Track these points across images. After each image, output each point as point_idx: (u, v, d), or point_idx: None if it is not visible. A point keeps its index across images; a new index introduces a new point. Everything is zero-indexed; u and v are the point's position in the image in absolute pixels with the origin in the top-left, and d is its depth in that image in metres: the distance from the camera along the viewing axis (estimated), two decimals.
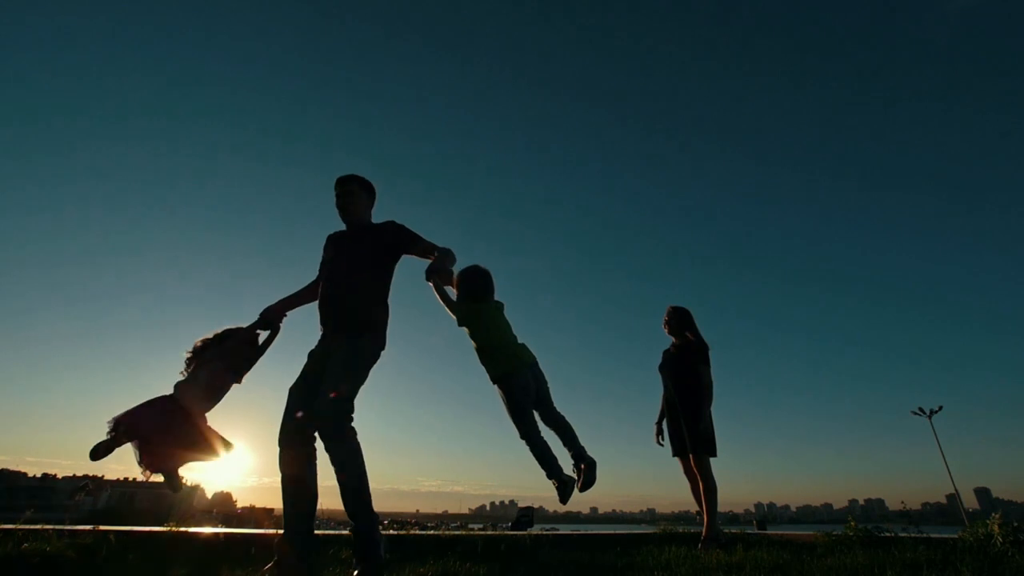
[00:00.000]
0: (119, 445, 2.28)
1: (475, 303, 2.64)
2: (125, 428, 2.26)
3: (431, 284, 2.67)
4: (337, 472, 2.15)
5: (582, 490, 2.47)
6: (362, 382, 2.33)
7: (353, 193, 2.65)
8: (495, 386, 2.61)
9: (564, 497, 2.44)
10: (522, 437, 2.53)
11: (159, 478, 2.34)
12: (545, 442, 2.54)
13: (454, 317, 2.64)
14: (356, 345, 2.37)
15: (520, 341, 2.70)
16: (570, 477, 2.47)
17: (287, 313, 2.75)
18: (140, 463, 2.30)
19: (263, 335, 2.71)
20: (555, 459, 2.51)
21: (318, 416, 2.21)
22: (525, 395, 2.54)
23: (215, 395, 2.46)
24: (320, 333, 2.53)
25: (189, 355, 2.52)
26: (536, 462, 2.52)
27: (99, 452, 2.24)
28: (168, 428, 2.32)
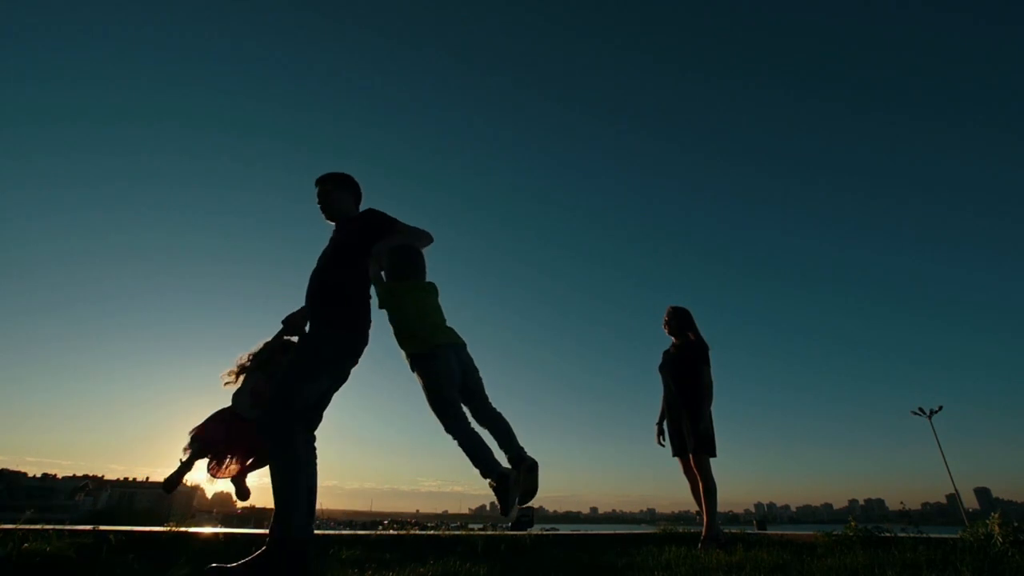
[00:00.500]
0: (192, 467, 2.41)
1: (397, 282, 2.42)
2: (200, 445, 2.39)
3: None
4: (271, 473, 2.01)
5: (523, 501, 2.13)
6: (314, 379, 2.14)
7: (328, 193, 2.61)
8: (414, 373, 2.29)
9: (507, 502, 2.03)
10: (448, 431, 2.18)
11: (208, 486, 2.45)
12: (477, 435, 2.20)
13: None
14: (306, 341, 2.28)
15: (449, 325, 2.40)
16: (510, 471, 2.12)
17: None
18: (209, 470, 2.45)
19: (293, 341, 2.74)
20: (491, 453, 2.16)
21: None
22: (448, 380, 2.20)
23: (262, 403, 2.50)
24: None
25: (236, 369, 2.62)
26: (468, 459, 2.16)
27: (174, 483, 2.37)
28: (238, 438, 2.46)
